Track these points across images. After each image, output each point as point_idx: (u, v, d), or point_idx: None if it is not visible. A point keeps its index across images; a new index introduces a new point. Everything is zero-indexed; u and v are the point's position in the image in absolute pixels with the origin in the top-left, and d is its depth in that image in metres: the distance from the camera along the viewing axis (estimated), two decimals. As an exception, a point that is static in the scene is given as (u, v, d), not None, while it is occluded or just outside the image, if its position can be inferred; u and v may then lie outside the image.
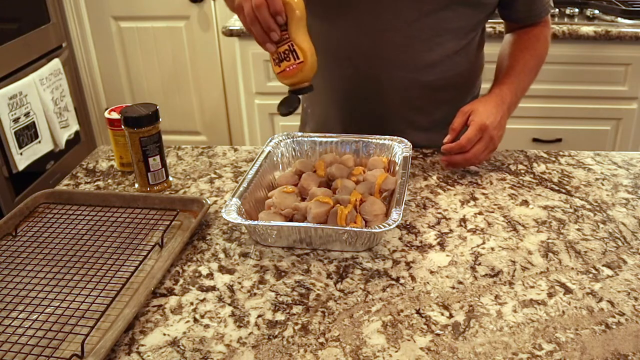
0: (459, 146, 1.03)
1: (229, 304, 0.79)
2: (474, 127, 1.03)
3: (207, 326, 0.75)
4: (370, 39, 1.12)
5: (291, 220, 0.92)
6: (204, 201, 0.99)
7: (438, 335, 0.72)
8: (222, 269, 0.86)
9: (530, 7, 1.18)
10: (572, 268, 0.84)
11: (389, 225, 0.83)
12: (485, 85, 1.22)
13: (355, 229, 0.85)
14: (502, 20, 1.26)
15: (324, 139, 1.11)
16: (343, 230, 0.85)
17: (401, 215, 0.86)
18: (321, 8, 1.15)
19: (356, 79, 1.17)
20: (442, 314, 0.76)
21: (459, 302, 0.78)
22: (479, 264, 0.85)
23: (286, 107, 0.97)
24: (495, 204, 1.00)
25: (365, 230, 0.85)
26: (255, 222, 0.88)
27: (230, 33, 2.19)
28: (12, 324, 0.75)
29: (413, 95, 1.16)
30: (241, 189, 0.95)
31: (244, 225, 0.90)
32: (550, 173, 1.10)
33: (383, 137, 1.10)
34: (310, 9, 1.02)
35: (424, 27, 1.09)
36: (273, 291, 0.81)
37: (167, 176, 1.08)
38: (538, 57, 1.19)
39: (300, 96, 0.97)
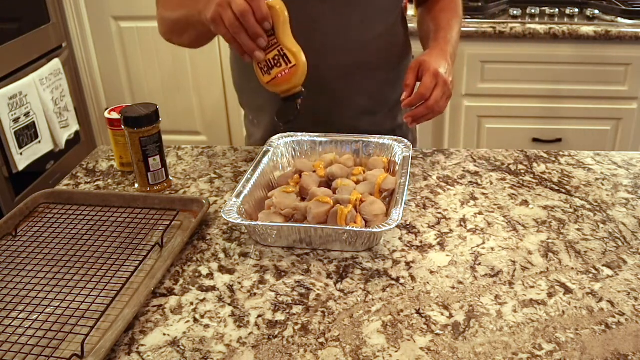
0: (419, 95, 1.04)
1: (229, 304, 0.79)
2: (428, 74, 1.04)
3: (207, 326, 0.75)
4: (303, 29, 1.08)
5: (291, 220, 0.92)
6: (204, 201, 0.99)
7: (438, 335, 0.72)
8: (222, 269, 0.86)
9: None
10: (572, 268, 0.84)
11: (389, 225, 0.83)
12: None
13: (355, 229, 0.85)
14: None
15: (324, 139, 1.11)
16: (343, 230, 0.85)
17: (401, 215, 0.86)
18: None
19: None
20: (442, 314, 0.76)
21: (459, 302, 0.78)
22: (479, 264, 0.85)
23: (286, 116, 0.97)
24: (495, 204, 1.00)
25: (365, 230, 0.85)
26: (255, 222, 0.88)
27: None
28: (12, 324, 0.75)
29: (355, 78, 1.19)
30: (241, 189, 0.95)
31: (244, 225, 0.90)
32: (550, 173, 1.10)
33: (383, 137, 1.10)
34: None
35: (354, 9, 1.13)
36: (273, 291, 0.81)
37: (167, 176, 1.08)
38: (458, 16, 1.25)
39: (297, 102, 0.96)
